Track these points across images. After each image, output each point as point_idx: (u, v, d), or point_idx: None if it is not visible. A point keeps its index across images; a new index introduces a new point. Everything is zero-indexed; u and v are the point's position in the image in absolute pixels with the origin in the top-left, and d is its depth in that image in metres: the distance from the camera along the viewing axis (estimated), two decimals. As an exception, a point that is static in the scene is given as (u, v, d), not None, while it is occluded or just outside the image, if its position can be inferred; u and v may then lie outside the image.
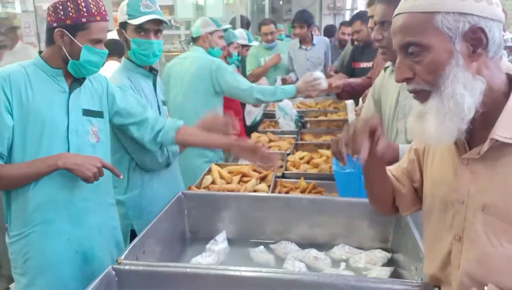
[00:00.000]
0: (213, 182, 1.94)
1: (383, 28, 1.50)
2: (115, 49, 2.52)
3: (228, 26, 2.84)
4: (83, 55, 1.35)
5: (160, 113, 1.84)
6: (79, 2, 1.33)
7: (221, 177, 2.02)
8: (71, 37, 1.33)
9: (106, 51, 1.43)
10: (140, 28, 1.69)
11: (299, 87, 2.48)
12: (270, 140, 2.82)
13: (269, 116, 3.53)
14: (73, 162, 1.31)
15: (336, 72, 3.98)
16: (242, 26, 4.68)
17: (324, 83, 2.42)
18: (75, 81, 1.43)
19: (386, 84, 1.70)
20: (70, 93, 1.41)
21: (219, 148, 1.75)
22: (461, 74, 0.76)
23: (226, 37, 3.07)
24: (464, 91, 0.76)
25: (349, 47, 3.89)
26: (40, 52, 1.42)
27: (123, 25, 1.71)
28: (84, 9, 1.33)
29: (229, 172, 2.07)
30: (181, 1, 4.88)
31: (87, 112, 1.45)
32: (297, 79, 4.18)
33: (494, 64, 0.79)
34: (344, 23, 4.91)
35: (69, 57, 1.35)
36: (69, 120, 1.39)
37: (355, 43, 3.40)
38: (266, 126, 3.29)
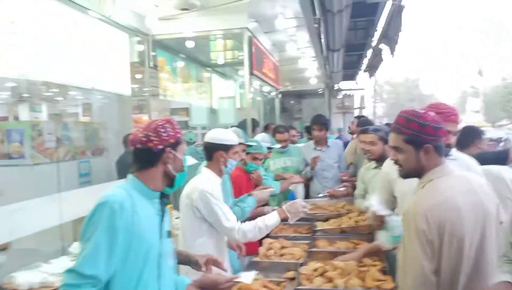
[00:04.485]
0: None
1: None
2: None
3: (253, 143, 3.01)
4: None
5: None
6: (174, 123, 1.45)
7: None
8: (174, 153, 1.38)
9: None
10: None
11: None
12: (283, 247, 2.68)
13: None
14: None
15: (351, 176, 3.88)
16: (253, 128, 4.89)
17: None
18: (164, 198, 1.41)
19: None
20: (162, 215, 1.39)
21: None
22: None
23: (257, 148, 3.18)
24: None
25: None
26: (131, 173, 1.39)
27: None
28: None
29: None
30: (196, 107, 5.12)
31: (169, 233, 1.43)
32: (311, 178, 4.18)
33: None
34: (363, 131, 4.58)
35: (174, 173, 1.37)
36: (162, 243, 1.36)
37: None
38: (278, 231, 3.04)
